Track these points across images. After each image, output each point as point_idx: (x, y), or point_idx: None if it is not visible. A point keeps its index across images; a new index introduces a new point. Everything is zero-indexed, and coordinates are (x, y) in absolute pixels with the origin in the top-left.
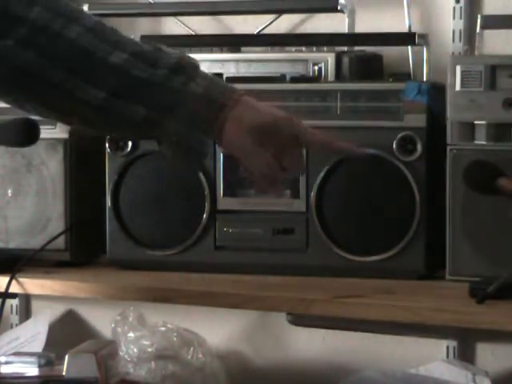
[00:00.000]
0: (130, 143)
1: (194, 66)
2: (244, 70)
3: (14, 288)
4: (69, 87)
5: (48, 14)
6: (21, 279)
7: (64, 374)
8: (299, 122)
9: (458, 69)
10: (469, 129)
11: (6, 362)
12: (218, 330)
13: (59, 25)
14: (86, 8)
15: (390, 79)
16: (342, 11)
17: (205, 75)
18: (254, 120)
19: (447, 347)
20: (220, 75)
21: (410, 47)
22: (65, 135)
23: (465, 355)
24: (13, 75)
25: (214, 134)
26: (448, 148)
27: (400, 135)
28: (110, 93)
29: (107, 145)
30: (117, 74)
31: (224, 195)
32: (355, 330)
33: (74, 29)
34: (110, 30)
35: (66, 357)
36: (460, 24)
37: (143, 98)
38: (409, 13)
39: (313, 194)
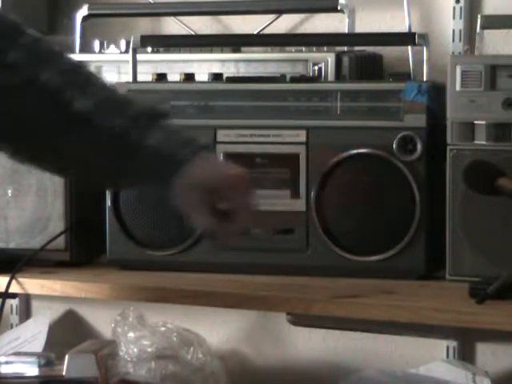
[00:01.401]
0: None
1: (156, 116)
2: (244, 70)
3: (14, 288)
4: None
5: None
6: (21, 279)
7: (64, 374)
8: (244, 194)
9: (458, 69)
10: (469, 129)
11: (6, 362)
12: (217, 330)
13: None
14: (85, 8)
15: (390, 79)
16: (342, 11)
17: (165, 127)
18: (203, 179)
19: (447, 347)
20: (220, 75)
21: (409, 47)
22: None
23: (465, 355)
24: None
25: (169, 187)
26: (448, 148)
27: (400, 135)
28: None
29: None
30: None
31: None
32: (355, 330)
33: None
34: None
35: (66, 357)
36: (460, 24)
37: (104, 147)
38: (409, 13)
39: (313, 194)
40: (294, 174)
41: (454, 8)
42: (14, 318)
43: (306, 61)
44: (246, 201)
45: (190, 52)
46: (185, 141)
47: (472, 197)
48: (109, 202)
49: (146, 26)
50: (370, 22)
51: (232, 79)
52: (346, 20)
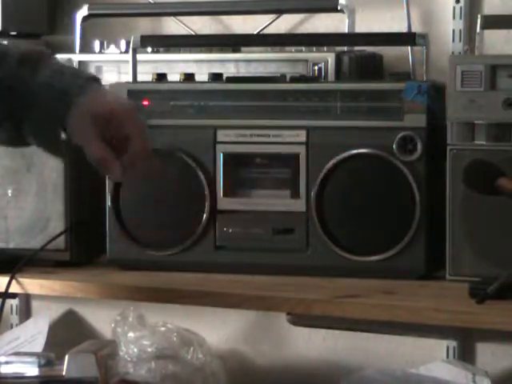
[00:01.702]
0: None
1: (40, 56)
2: (244, 70)
3: (14, 288)
4: None
5: None
6: (21, 279)
7: (64, 374)
8: (136, 120)
9: (458, 69)
10: (469, 129)
11: (6, 362)
12: (218, 330)
13: None
14: (85, 8)
15: (390, 79)
16: (342, 11)
17: (52, 64)
18: (94, 108)
19: (447, 347)
20: (220, 75)
21: (409, 47)
22: (65, 135)
23: (465, 355)
24: None
25: (63, 121)
26: (448, 148)
27: (400, 135)
28: None
29: None
30: None
31: (224, 195)
32: (355, 330)
33: None
34: None
35: (66, 357)
36: (460, 24)
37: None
38: (409, 13)
39: (313, 194)
40: (294, 174)
41: (454, 8)
42: (14, 318)
43: (306, 61)
44: (138, 129)
45: (190, 52)
46: (73, 74)
47: (472, 197)
48: (109, 202)
49: (146, 25)
50: (370, 22)
51: (232, 79)
52: (346, 20)
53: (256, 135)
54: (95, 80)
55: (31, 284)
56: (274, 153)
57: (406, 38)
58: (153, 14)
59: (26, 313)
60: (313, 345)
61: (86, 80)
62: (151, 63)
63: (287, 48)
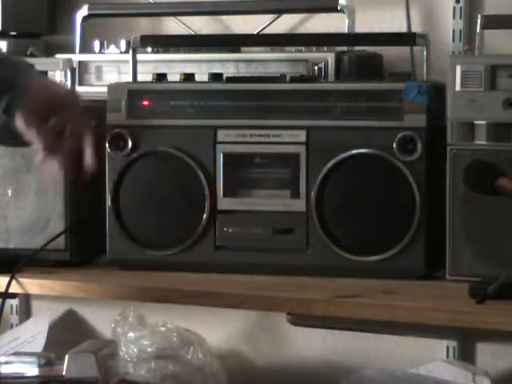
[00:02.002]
0: (130, 143)
1: None
2: (244, 70)
3: (14, 288)
4: None
5: None
6: (21, 279)
7: (64, 374)
8: (78, 112)
9: (458, 69)
10: (469, 129)
11: (6, 362)
12: (218, 330)
13: None
14: (85, 8)
15: (390, 79)
16: (342, 11)
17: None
18: (39, 98)
19: (447, 347)
20: (220, 75)
21: (410, 47)
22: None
23: (465, 355)
24: None
25: (12, 114)
26: (448, 148)
27: (400, 135)
28: None
29: (107, 145)
30: None
31: (224, 195)
32: (355, 330)
33: None
34: None
35: (66, 357)
36: (460, 24)
37: None
38: (409, 13)
39: (313, 194)
40: (294, 174)
41: (454, 8)
42: (14, 318)
43: (306, 61)
44: (78, 116)
45: (190, 52)
46: (15, 65)
47: (472, 197)
48: (109, 202)
49: (146, 25)
50: (370, 22)
51: (232, 79)
52: (346, 20)
53: (256, 135)
54: (34, 69)
55: (31, 284)
56: (273, 153)
57: (406, 38)
58: (153, 14)
59: (26, 313)
60: (313, 345)
61: (29, 70)
62: (151, 63)
63: (287, 48)
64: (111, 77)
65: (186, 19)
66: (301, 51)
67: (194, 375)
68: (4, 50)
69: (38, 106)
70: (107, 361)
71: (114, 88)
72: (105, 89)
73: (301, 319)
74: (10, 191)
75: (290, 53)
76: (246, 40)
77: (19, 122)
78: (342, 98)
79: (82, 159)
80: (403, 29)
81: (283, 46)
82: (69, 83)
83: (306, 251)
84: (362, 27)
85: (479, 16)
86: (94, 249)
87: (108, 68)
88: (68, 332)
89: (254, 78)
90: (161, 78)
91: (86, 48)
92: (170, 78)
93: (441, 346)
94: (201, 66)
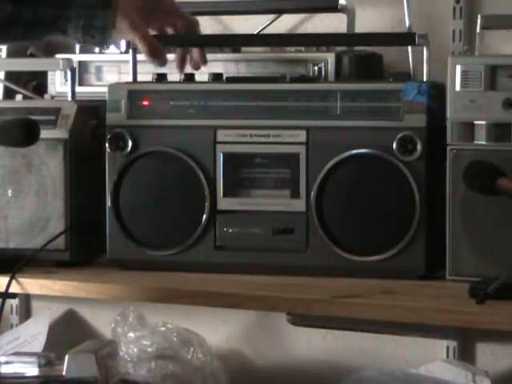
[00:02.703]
0: (130, 143)
1: None
2: (244, 70)
3: (14, 288)
4: None
5: None
6: (21, 279)
7: (64, 374)
8: (177, 5)
9: (458, 69)
10: (469, 129)
11: (6, 362)
12: (218, 330)
13: None
14: None
15: (390, 79)
16: (342, 11)
17: None
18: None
19: (447, 347)
20: (220, 75)
21: (409, 47)
22: (65, 135)
23: (465, 355)
24: None
25: (112, 8)
26: (448, 148)
27: (400, 135)
28: (15, 2)
29: (107, 145)
30: None
31: (224, 195)
32: (355, 330)
33: None
34: None
35: (66, 357)
36: (460, 24)
37: None
38: (409, 13)
39: (313, 194)
40: (294, 174)
41: (454, 8)
42: (14, 318)
43: (306, 61)
44: (187, 19)
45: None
46: None
47: (472, 197)
48: (109, 202)
49: None
50: (370, 22)
51: (232, 79)
52: (346, 20)
53: (256, 135)
54: None
55: (31, 284)
56: (274, 153)
57: (406, 38)
58: None
59: (26, 313)
60: (313, 345)
61: None
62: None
63: (287, 48)
64: (111, 77)
65: None
66: (301, 51)
67: (194, 375)
68: (4, 49)
69: (139, 8)
70: (107, 361)
71: (113, 88)
72: (105, 89)
73: (301, 319)
74: (10, 191)
75: (290, 53)
76: (246, 40)
77: (122, 26)
78: (342, 97)
79: (186, 59)
80: (403, 29)
81: (283, 46)
82: (69, 83)
83: (306, 251)
84: (361, 27)
85: (479, 16)
86: (94, 249)
87: (108, 68)
88: (68, 332)
89: (254, 78)
90: (161, 78)
91: (85, 48)
92: (170, 77)
93: (441, 346)
94: None
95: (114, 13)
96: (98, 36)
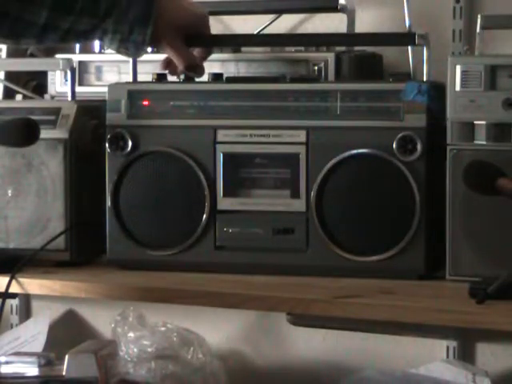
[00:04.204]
0: (130, 143)
1: None
2: (244, 70)
3: (14, 288)
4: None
5: None
6: (21, 279)
7: (64, 374)
8: (209, 27)
9: (458, 69)
10: (469, 129)
11: (6, 362)
12: (218, 330)
13: None
14: None
15: (390, 79)
16: (342, 11)
17: None
18: (180, 19)
19: (447, 347)
20: (220, 75)
21: (410, 47)
22: (65, 135)
23: (465, 355)
24: None
25: (151, 25)
26: (448, 148)
27: (400, 135)
28: (52, 10)
29: (107, 145)
30: None
31: (224, 195)
32: (355, 330)
33: None
34: None
35: (66, 357)
36: (460, 24)
37: (83, 7)
38: (409, 13)
39: (313, 194)
40: (294, 174)
41: (454, 8)
42: (14, 318)
43: (306, 61)
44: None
45: None
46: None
47: (472, 197)
48: (109, 202)
49: None
50: (370, 22)
51: (232, 79)
52: (346, 20)
53: (256, 135)
54: None
55: (31, 284)
56: (274, 153)
57: (406, 38)
58: None
59: (26, 313)
60: (313, 345)
61: None
62: (151, 63)
63: (287, 48)
64: (111, 77)
65: None
66: (301, 51)
67: (194, 375)
68: (4, 50)
69: (178, 27)
70: (107, 361)
71: (113, 88)
72: (105, 89)
73: (301, 319)
74: (10, 191)
75: (290, 53)
76: (246, 40)
77: (160, 41)
78: (342, 97)
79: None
80: (403, 29)
81: (283, 46)
82: (69, 83)
83: (306, 251)
84: (361, 27)
85: (479, 16)
86: (94, 249)
87: (108, 68)
88: (68, 332)
89: (254, 78)
90: (161, 77)
91: (85, 48)
92: (169, 78)
93: (441, 346)
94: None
95: (152, 29)
96: (132, 49)
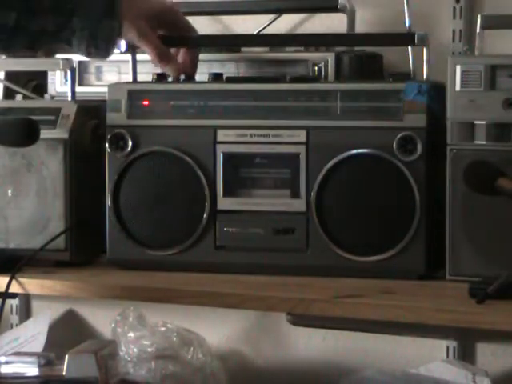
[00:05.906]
0: (130, 143)
1: None
2: (244, 70)
3: (14, 288)
4: None
5: None
6: (21, 279)
7: (64, 373)
8: (180, 14)
9: (458, 69)
10: (469, 129)
11: (6, 362)
12: (218, 330)
13: None
14: None
15: (390, 79)
16: (342, 11)
17: None
18: (147, 9)
19: (447, 347)
20: (220, 75)
21: (410, 47)
22: (65, 135)
23: (465, 355)
24: None
25: (117, 18)
26: (448, 148)
27: (400, 135)
28: (19, 11)
29: (107, 145)
30: None
31: (224, 195)
32: (355, 330)
33: None
34: None
35: (66, 357)
36: (460, 24)
37: (49, 7)
38: (409, 13)
39: (313, 194)
40: (294, 174)
41: (454, 8)
42: (14, 318)
43: (306, 61)
44: (190, 28)
45: None
46: None
47: (472, 197)
48: (109, 202)
49: None
50: (370, 22)
51: (232, 79)
52: (346, 20)
53: (256, 135)
54: None
55: (31, 284)
56: (274, 153)
57: (406, 38)
58: None
59: (26, 313)
60: (313, 345)
61: None
62: (151, 63)
63: (287, 48)
64: (111, 77)
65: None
66: (301, 51)
67: (194, 375)
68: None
69: (145, 16)
70: (107, 361)
71: (113, 88)
72: (105, 89)
73: (301, 319)
74: (10, 191)
75: (290, 53)
76: (246, 40)
77: (129, 33)
78: (342, 97)
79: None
80: (403, 29)
81: (283, 46)
82: (69, 83)
83: (306, 251)
84: (362, 27)
85: (479, 16)
86: (94, 249)
87: (108, 68)
88: (68, 332)
89: (254, 78)
90: (161, 77)
91: None
92: (169, 78)
93: (441, 346)
94: (201, 66)
95: (119, 22)
96: (103, 46)
